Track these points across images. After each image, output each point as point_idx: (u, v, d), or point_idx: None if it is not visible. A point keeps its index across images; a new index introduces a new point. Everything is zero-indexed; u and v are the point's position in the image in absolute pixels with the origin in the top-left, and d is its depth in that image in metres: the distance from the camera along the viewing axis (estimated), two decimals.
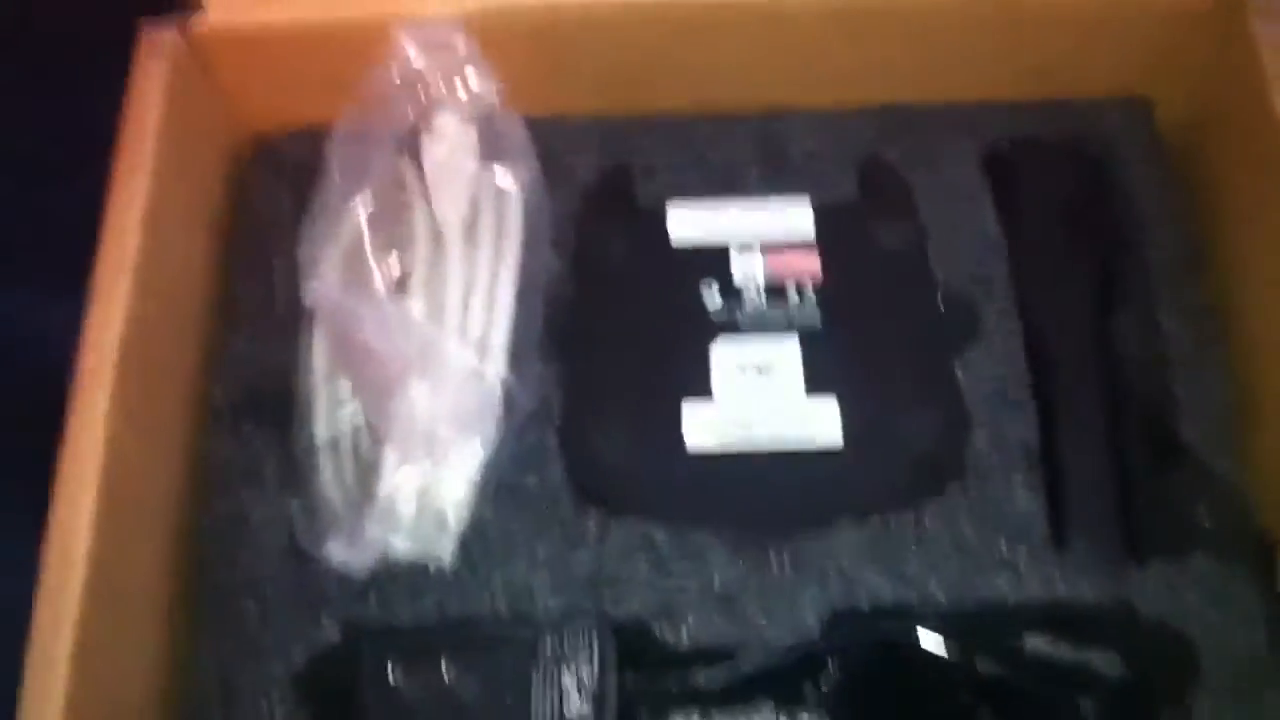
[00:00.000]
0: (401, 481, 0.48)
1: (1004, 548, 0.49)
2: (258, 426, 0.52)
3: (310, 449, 0.50)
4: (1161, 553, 0.49)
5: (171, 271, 0.52)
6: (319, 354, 0.52)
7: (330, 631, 0.48)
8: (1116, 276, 0.55)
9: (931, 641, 0.46)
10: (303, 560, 0.49)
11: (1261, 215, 0.52)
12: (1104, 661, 0.46)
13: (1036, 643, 0.46)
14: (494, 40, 0.53)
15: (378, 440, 0.49)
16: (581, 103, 0.58)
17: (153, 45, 0.54)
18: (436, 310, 0.51)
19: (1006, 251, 0.55)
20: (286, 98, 0.57)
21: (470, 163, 0.54)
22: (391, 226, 0.53)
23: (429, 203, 0.53)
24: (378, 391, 0.49)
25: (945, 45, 0.57)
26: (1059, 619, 0.47)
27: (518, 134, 0.54)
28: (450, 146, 0.54)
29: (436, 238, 0.53)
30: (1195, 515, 0.50)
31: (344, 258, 0.52)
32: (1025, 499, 0.50)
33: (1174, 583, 0.48)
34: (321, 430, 0.50)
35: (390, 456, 0.48)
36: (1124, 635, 0.47)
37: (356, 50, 0.52)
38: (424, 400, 0.48)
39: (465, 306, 0.51)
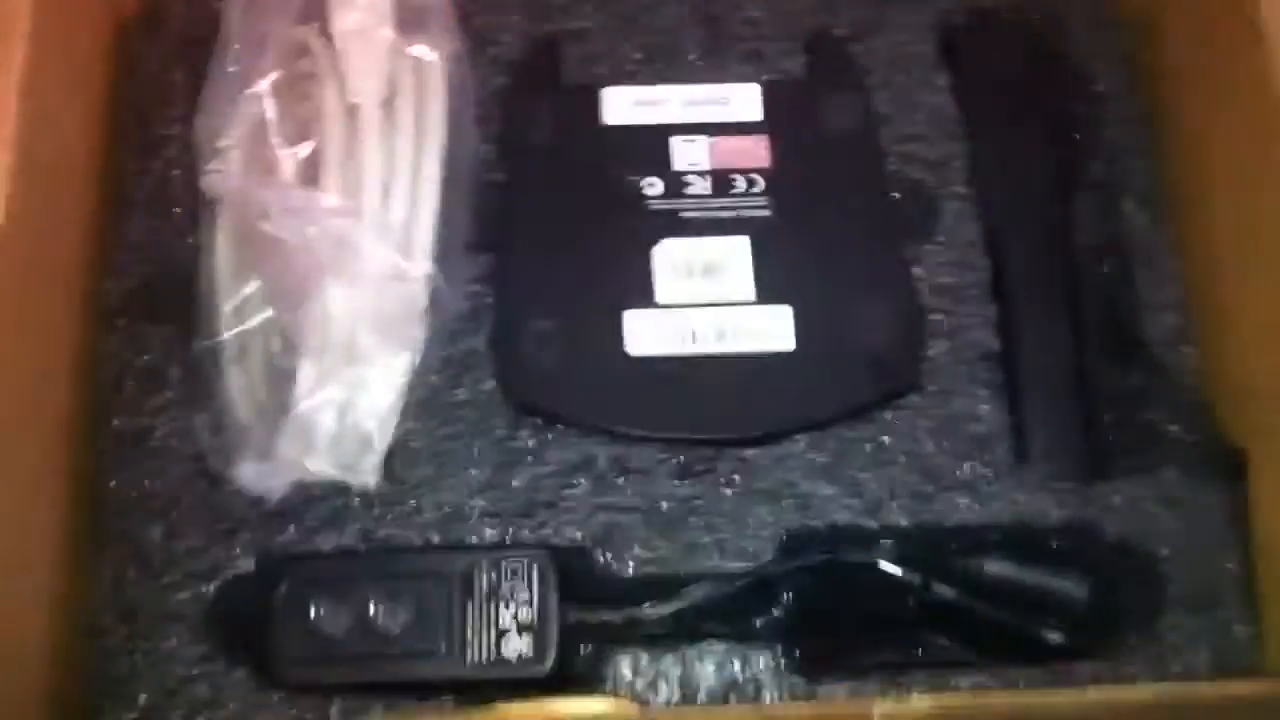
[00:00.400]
0: (319, 395, 0.44)
1: (965, 465, 0.46)
2: (157, 326, 0.47)
3: (215, 356, 0.46)
4: (1126, 466, 0.47)
5: (53, 150, 0.46)
6: (222, 248, 0.47)
7: (243, 559, 0.44)
8: (1076, 160, 0.52)
9: (891, 567, 0.43)
10: (212, 480, 0.45)
11: (1221, 95, 0.49)
12: (1069, 585, 0.44)
13: (998, 567, 0.44)
14: None
15: (291, 348, 0.45)
16: None
17: None
18: (353, 201, 0.46)
19: (964, 132, 0.52)
20: None
21: (386, 31, 0.48)
22: (298, 104, 0.47)
23: (340, 77, 0.48)
24: (289, 293, 0.45)
25: None
26: (1022, 541, 0.45)
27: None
28: (362, 13, 0.48)
29: (350, 117, 0.47)
30: (1159, 424, 0.47)
31: (245, 139, 0.47)
32: (986, 412, 0.47)
33: (1139, 498, 0.46)
34: (227, 335, 0.46)
35: (306, 367, 0.44)
36: (1089, 557, 0.45)
37: None
38: (341, 303, 0.44)
39: (385, 196, 0.46)
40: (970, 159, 0.51)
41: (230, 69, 0.47)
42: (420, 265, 0.45)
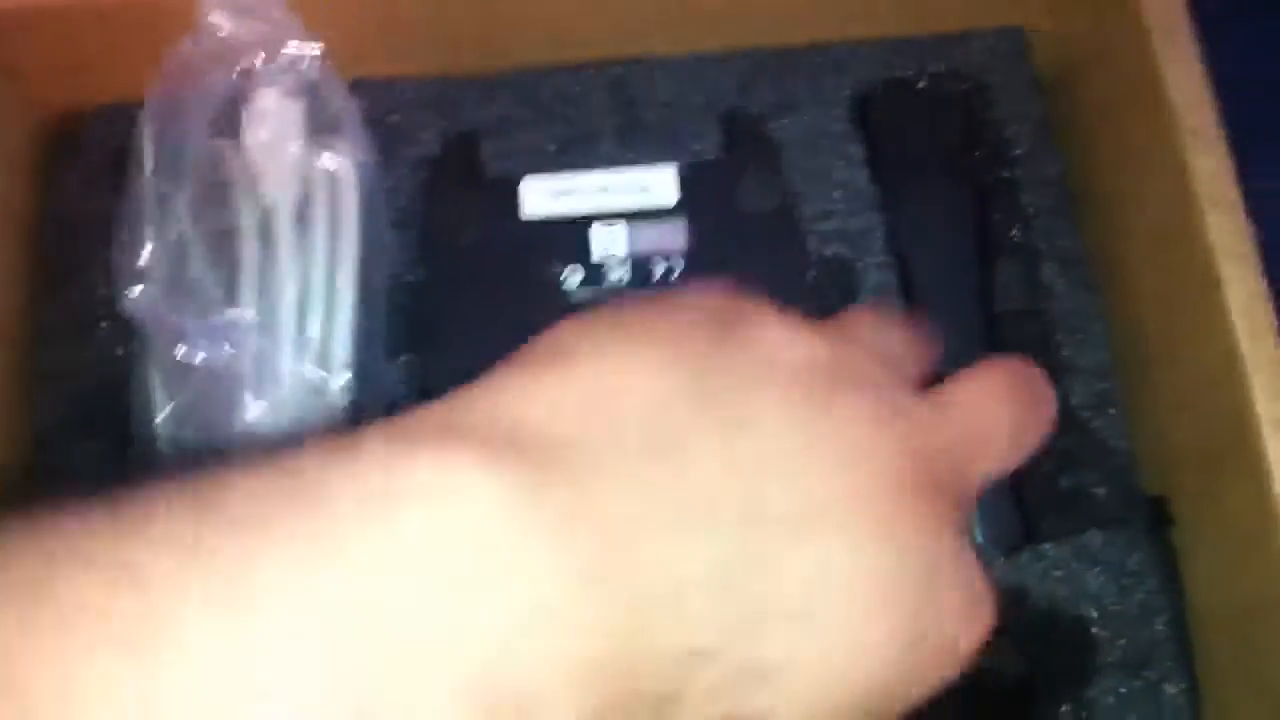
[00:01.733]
0: None
1: None
2: (87, 447, 0.48)
3: (144, 475, 0.46)
4: (1053, 530, 0.47)
5: None
6: (149, 370, 0.47)
7: None
8: (996, 225, 0.52)
9: None
10: None
11: (1139, 156, 0.50)
12: (999, 658, 0.44)
13: None
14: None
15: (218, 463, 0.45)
16: (416, 63, 0.53)
17: None
18: (269, 317, 0.46)
19: (882, 205, 0.52)
20: (91, 78, 0.51)
21: (295, 143, 0.49)
22: (214, 220, 0.48)
23: (254, 191, 0.48)
24: (211, 412, 0.45)
25: None
26: None
27: (346, 105, 0.49)
28: (273, 126, 0.49)
29: (265, 231, 0.48)
30: (1085, 487, 0.48)
31: (163, 258, 0.47)
32: None
33: (1067, 560, 0.46)
34: (157, 456, 0.46)
35: None
36: (1017, 625, 0.45)
37: (164, 20, 0.47)
38: (263, 420, 0.44)
39: (301, 309, 0.46)
40: (888, 229, 0.52)
41: (147, 186, 0.47)
42: (338, 377, 0.46)
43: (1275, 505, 0.41)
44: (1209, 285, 0.43)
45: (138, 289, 0.46)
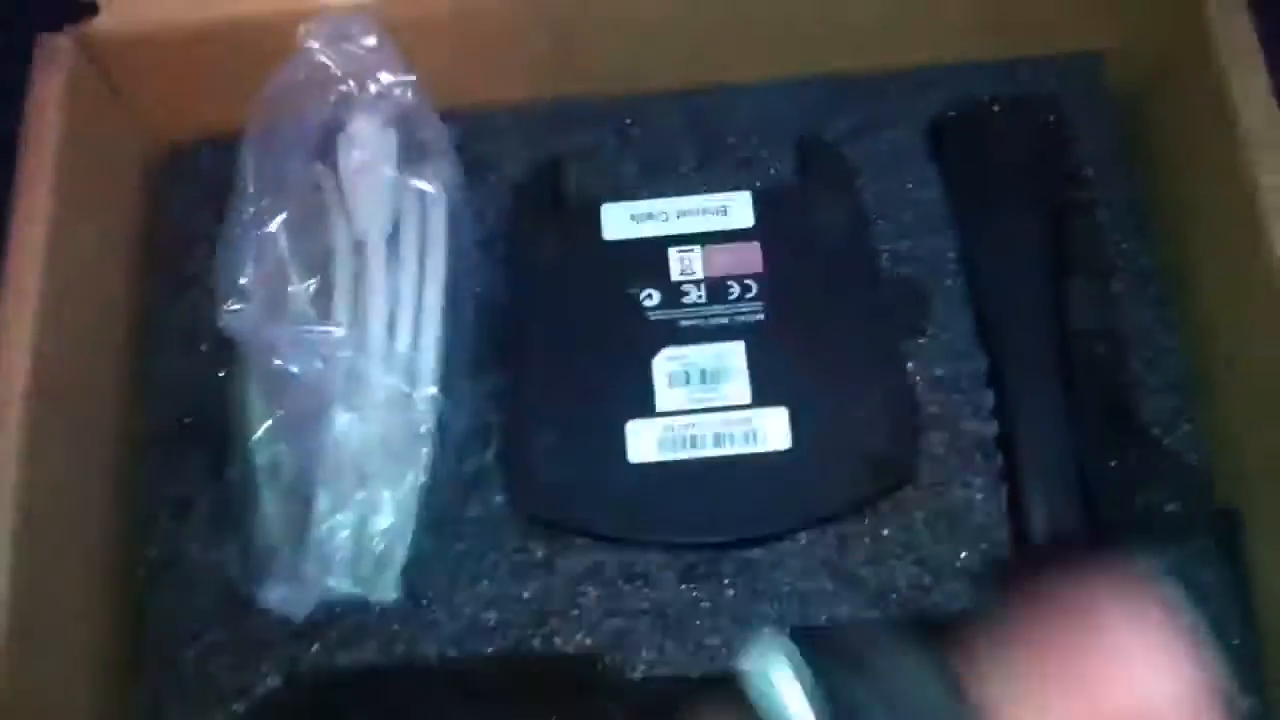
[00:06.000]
0: (336, 518, 0.46)
1: (963, 554, 0.47)
2: (188, 460, 0.50)
3: (243, 485, 0.48)
4: (1126, 545, 0.47)
5: (85, 292, 0.50)
6: (247, 382, 0.49)
7: (272, 678, 0.46)
8: (1068, 244, 0.53)
9: None
10: (241, 604, 0.47)
11: (1208, 171, 0.50)
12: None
13: None
14: (406, 29, 0.50)
15: (308, 475, 0.47)
16: (504, 91, 0.55)
17: (48, 54, 0.51)
18: (360, 332, 0.48)
19: (955, 225, 0.53)
20: (197, 102, 0.55)
21: (389, 168, 0.51)
22: (310, 241, 0.50)
23: (348, 213, 0.50)
24: (303, 423, 0.47)
25: (883, 7, 0.54)
26: None
27: (437, 132, 0.51)
28: (368, 152, 0.51)
29: (358, 251, 0.50)
30: (1157, 500, 0.48)
31: (261, 277, 0.49)
32: (983, 501, 0.48)
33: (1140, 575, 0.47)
34: (253, 465, 0.48)
35: (321, 493, 0.46)
36: None
37: (266, 47, 0.49)
38: (351, 432, 0.46)
39: (391, 326, 0.49)
40: (961, 250, 0.53)
41: (248, 209, 0.50)
42: (425, 390, 0.48)
43: None
44: (1273, 297, 0.43)
45: (236, 306, 0.48)
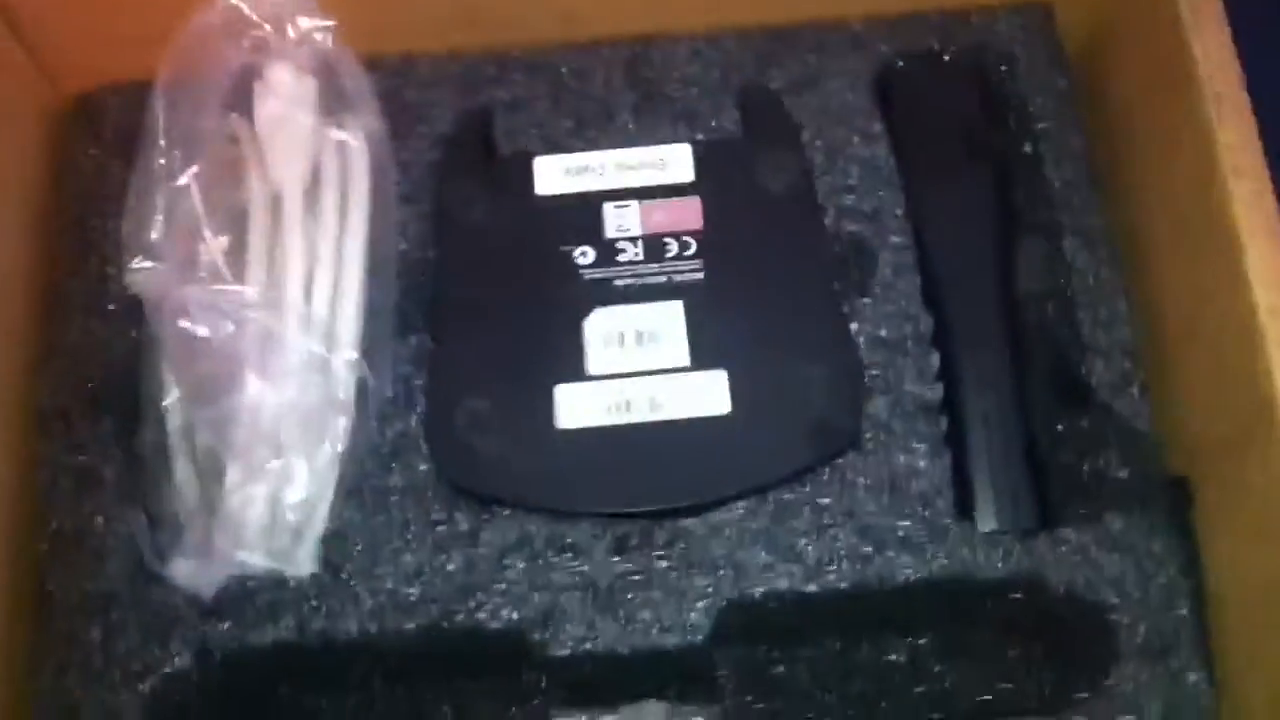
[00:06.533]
0: (248, 489, 0.44)
1: (906, 523, 0.45)
2: (94, 428, 0.47)
3: (152, 455, 0.46)
4: (1073, 514, 0.46)
5: None
6: (157, 346, 0.47)
7: (180, 657, 0.44)
8: (1017, 202, 0.51)
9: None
10: (150, 578, 0.45)
11: (1166, 131, 0.48)
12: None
13: None
14: None
15: (220, 445, 0.44)
16: (430, 39, 0.53)
17: None
18: (276, 292, 0.46)
19: (902, 181, 0.51)
20: (106, 49, 0.51)
21: (307, 118, 0.48)
22: (223, 195, 0.47)
23: (264, 166, 0.48)
24: (215, 389, 0.44)
25: None
26: (965, 601, 0.44)
27: (359, 80, 0.49)
28: (284, 100, 0.48)
29: (274, 206, 0.47)
30: (1107, 469, 0.46)
31: (171, 233, 0.46)
32: (926, 466, 0.46)
33: (1087, 545, 0.45)
34: (160, 434, 0.46)
35: (233, 463, 0.44)
36: (1036, 611, 0.44)
37: None
38: (264, 398, 0.44)
39: (308, 286, 0.46)
40: (908, 207, 0.51)
41: (158, 161, 0.47)
42: (344, 354, 0.45)
43: None
44: (1231, 258, 0.42)
45: (145, 264, 0.46)
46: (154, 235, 0.46)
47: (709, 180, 0.50)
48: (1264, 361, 0.41)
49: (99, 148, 0.52)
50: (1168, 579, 0.45)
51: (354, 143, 0.48)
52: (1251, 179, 0.42)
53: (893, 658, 0.47)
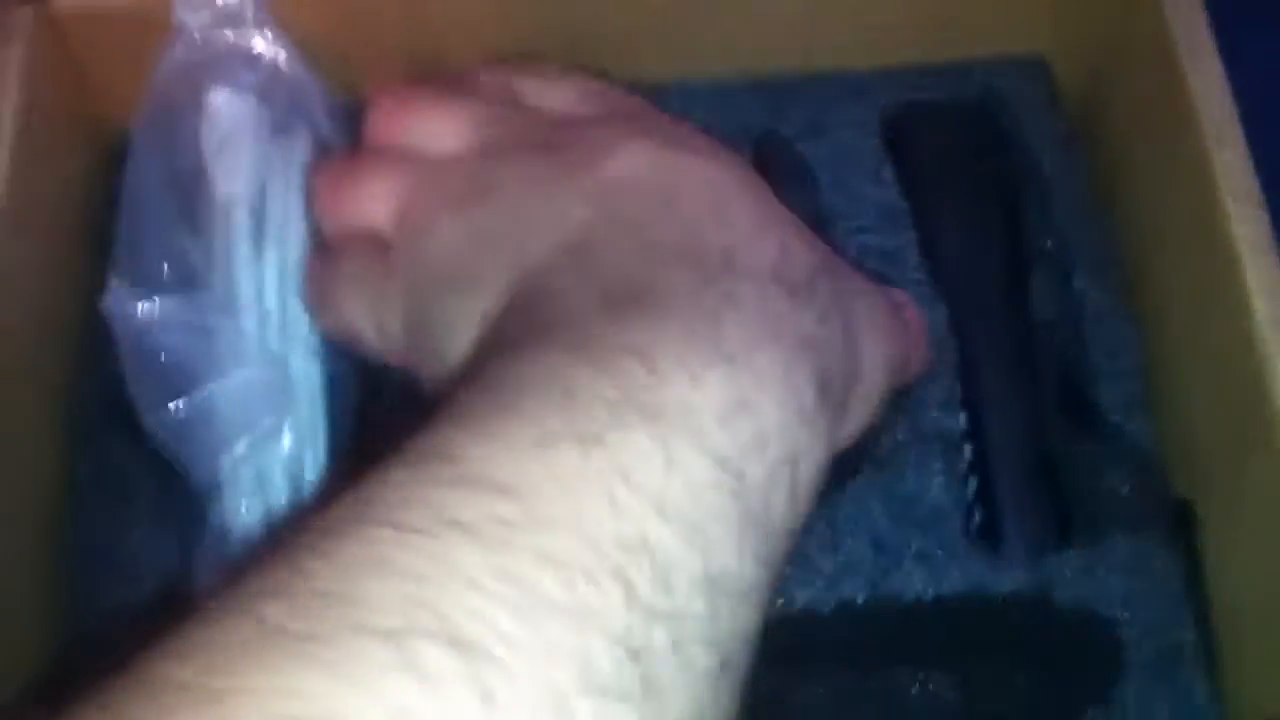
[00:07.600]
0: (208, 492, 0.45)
1: (921, 542, 0.47)
2: (129, 443, 0.48)
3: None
4: (1081, 533, 0.47)
5: (35, 276, 0.49)
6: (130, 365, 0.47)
7: None
8: (1025, 238, 0.53)
9: None
10: (181, 592, 0.45)
11: (1164, 161, 0.51)
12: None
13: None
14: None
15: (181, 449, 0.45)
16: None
17: (6, 26, 0.49)
18: (229, 295, 0.46)
19: (912, 221, 0.53)
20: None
21: (248, 137, 0.49)
22: (187, 214, 0.48)
23: (211, 176, 0.48)
24: (174, 394, 0.45)
25: (835, 9, 0.54)
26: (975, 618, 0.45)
27: (308, 89, 0.50)
28: (229, 121, 0.49)
29: (224, 216, 0.48)
30: (1112, 487, 0.48)
31: (135, 257, 0.47)
32: (942, 489, 0.48)
33: (1092, 564, 0.46)
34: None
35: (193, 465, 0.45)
36: (1043, 628, 0.45)
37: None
38: (218, 398, 0.45)
39: (259, 287, 0.47)
40: (922, 246, 0.52)
41: (135, 187, 0.48)
42: (299, 348, 0.46)
43: None
44: (1231, 280, 0.43)
45: (113, 287, 0.46)
46: (132, 256, 0.47)
47: None
48: (1266, 374, 0.42)
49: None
50: (1172, 596, 0.46)
51: (299, 149, 0.49)
52: (1247, 200, 0.44)
53: (903, 678, 0.48)
